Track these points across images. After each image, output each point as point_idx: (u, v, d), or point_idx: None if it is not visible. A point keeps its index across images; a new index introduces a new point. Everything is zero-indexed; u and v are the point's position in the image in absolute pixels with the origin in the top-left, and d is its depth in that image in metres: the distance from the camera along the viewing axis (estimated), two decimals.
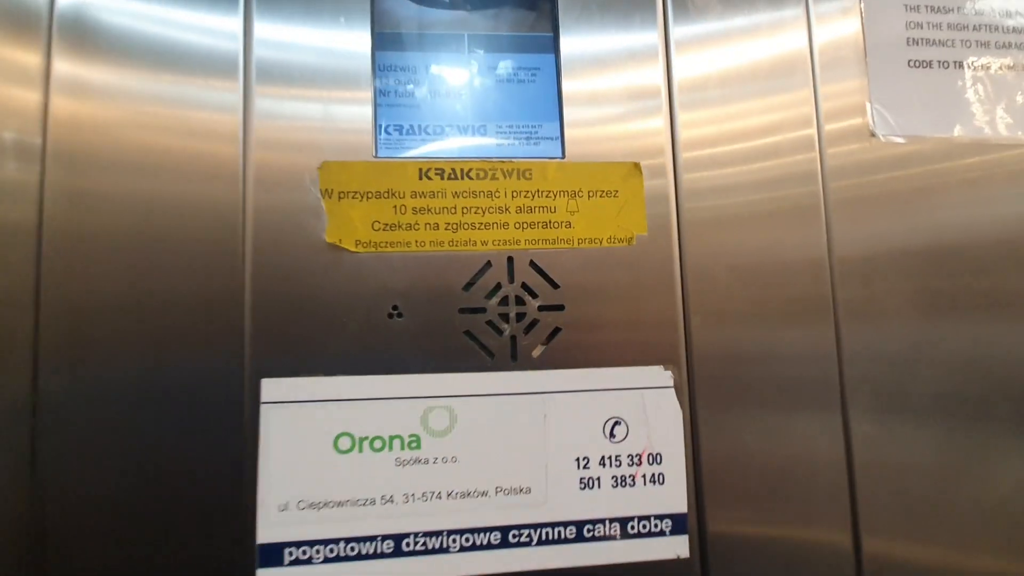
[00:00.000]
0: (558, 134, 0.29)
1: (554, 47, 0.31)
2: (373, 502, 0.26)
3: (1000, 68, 0.34)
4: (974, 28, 0.35)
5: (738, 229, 0.30)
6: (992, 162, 0.34)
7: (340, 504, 0.26)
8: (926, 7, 0.34)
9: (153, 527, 0.25)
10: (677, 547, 0.27)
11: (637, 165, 0.30)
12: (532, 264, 0.29)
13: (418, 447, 0.26)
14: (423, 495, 0.26)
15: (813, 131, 0.32)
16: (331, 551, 0.25)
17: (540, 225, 0.29)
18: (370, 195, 0.28)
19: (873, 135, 0.33)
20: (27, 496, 0.25)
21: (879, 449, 0.30)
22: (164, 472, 0.25)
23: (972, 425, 0.31)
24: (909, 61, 0.34)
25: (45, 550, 0.25)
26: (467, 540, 0.26)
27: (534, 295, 0.29)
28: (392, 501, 0.26)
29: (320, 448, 0.26)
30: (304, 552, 0.25)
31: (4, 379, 0.25)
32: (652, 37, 0.31)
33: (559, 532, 0.27)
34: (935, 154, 0.33)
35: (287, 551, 0.25)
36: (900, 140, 0.33)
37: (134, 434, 0.25)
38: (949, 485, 0.31)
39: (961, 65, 0.34)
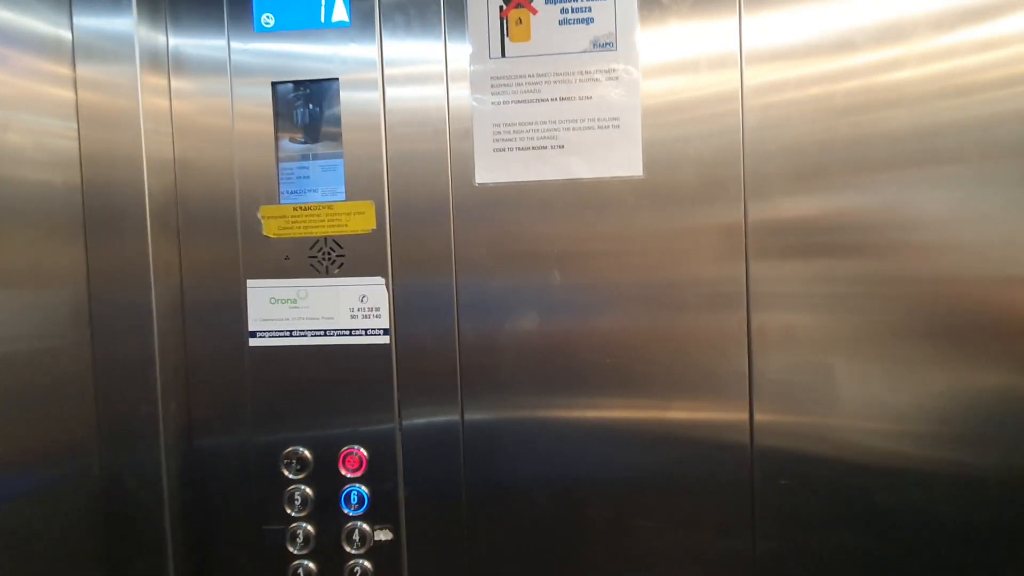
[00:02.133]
0: (344, 189, 0.79)
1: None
2: None
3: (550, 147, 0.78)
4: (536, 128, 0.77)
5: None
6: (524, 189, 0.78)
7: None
8: (504, 123, 0.78)
9: None
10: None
11: (371, 203, 0.79)
12: (334, 240, 0.80)
13: (295, 303, 0.80)
14: None
15: (447, 182, 0.78)
16: None
17: (336, 225, 0.79)
18: (275, 216, 0.80)
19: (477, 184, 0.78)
20: None
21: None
22: None
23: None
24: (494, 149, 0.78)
25: None
26: None
27: (334, 251, 0.80)
28: None
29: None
30: None
31: None
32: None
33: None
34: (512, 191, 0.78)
35: None
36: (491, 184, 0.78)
37: None
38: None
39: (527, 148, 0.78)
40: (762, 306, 0.76)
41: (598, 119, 0.78)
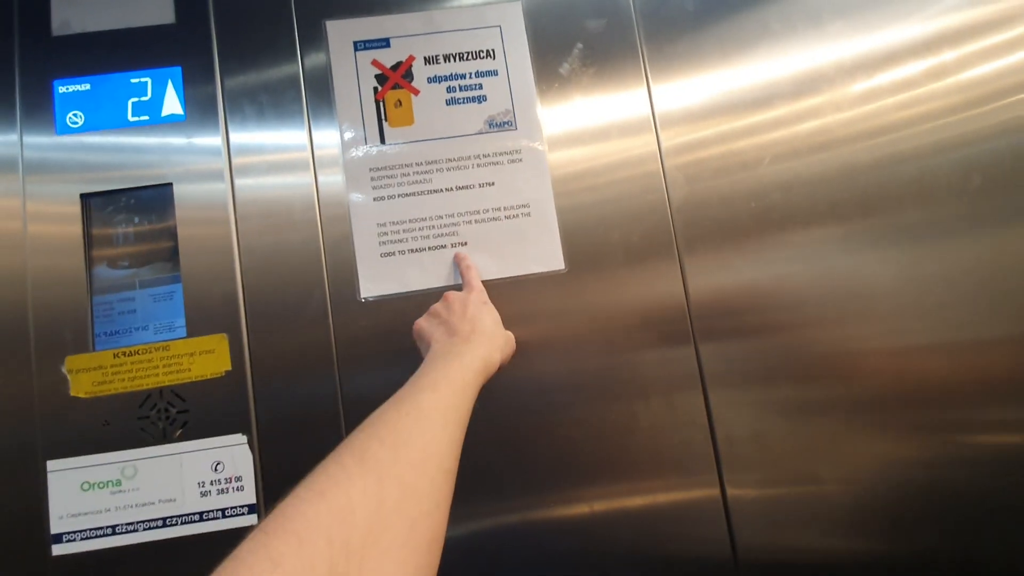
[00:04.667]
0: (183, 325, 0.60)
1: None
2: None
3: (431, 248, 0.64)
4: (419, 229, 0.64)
5: None
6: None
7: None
8: (391, 222, 0.64)
9: None
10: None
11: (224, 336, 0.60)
12: (174, 392, 0.60)
13: (119, 485, 0.58)
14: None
15: (324, 299, 0.62)
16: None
17: (175, 371, 0.60)
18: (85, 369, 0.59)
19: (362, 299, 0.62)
20: None
21: None
22: None
23: None
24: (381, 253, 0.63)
25: None
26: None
27: (175, 406, 0.60)
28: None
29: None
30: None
31: None
32: None
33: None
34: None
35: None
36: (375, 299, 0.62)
37: None
38: None
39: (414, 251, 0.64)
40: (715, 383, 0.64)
41: (504, 207, 0.65)
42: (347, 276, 0.63)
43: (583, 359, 0.63)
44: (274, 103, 0.65)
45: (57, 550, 0.58)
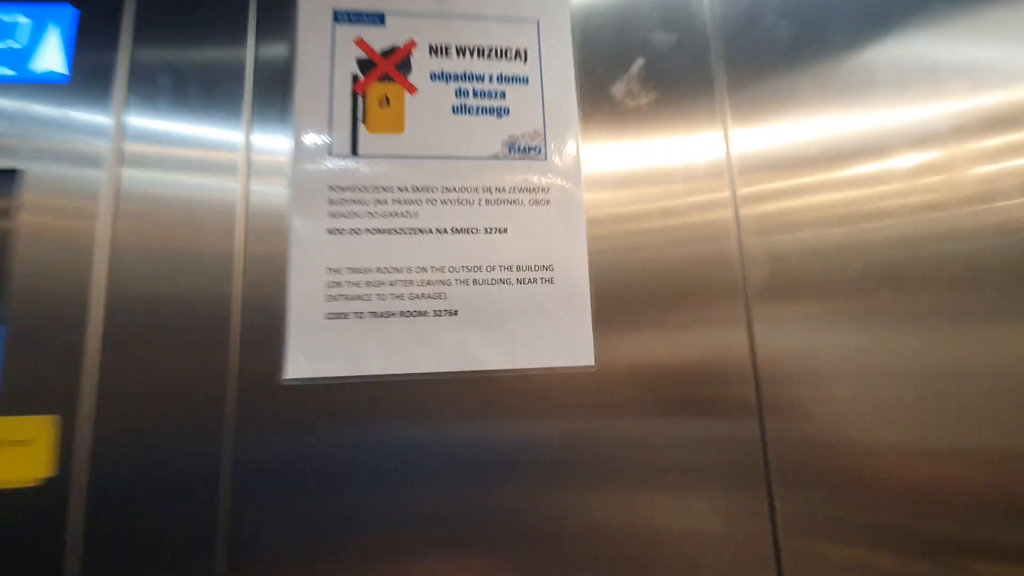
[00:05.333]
0: None
1: None
2: None
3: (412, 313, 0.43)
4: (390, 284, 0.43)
5: None
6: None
7: None
8: (347, 267, 0.43)
9: None
10: None
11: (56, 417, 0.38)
12: None
13: None
14: None
15: (224, 375, 0.40)
16: None
17: None
18: None
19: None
20: None
21: None
22: None
23: None
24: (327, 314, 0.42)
25: None
26: None
27: None
28: None
29: None
30: None
31: None
32: None
33: None
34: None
35: None
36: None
37: None
38: None
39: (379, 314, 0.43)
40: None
41: (519, 267, 0.45)
42: (268, 341, 0.41)
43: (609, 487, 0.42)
44: (204, 79, 0.44)
45: None
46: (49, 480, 0.37)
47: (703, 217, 0.48)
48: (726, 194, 0.48)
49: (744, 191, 0.49)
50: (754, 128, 0.50)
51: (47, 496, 0.37)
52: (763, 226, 0.48)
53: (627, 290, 0.45)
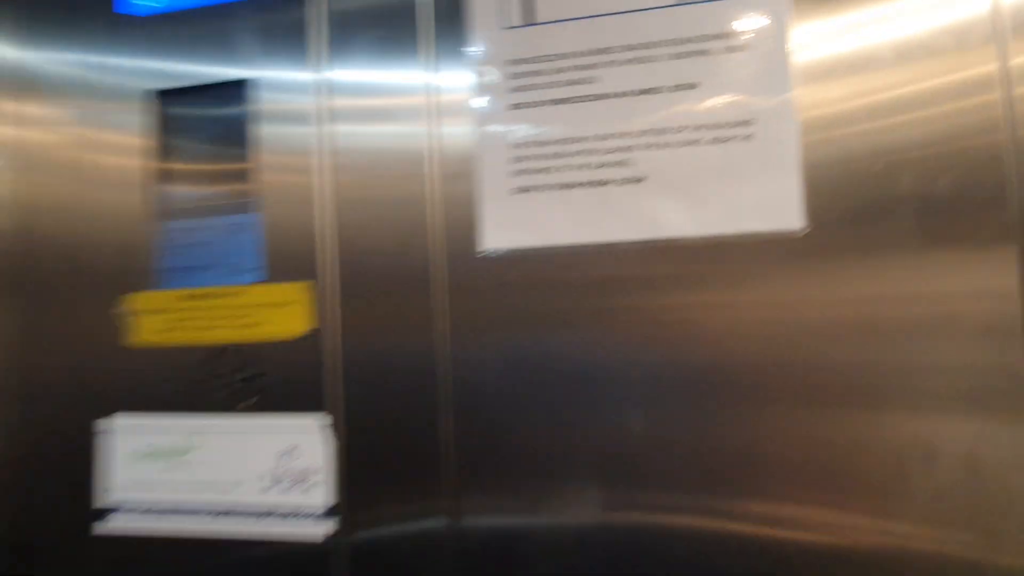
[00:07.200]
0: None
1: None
2: None
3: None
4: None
5: None
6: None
7: None
8: (532, 142, 0.43)
9: None
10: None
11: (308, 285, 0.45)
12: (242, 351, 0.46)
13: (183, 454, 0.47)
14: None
15: (425, 251, 0.44)
16: None
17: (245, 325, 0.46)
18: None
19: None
20: None
21: None
22: None
23: None
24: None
25: None
26: None
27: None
28: None
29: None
30: None
31: None
32: None
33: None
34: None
35: None
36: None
37: None
38: None
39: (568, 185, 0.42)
40: None
41: (710, 125, 0.41)
42: (464, 219, 0.44)
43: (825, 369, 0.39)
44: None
45: (100, 528, 0.49)
46: (309, 334, 0.45)
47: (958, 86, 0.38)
48: (992, 67, 0.38)
49: (1018, 61, 0.37)
50: None
51: (307, 348, 0.45)
52: None
53: (846, 152, 0.39)
